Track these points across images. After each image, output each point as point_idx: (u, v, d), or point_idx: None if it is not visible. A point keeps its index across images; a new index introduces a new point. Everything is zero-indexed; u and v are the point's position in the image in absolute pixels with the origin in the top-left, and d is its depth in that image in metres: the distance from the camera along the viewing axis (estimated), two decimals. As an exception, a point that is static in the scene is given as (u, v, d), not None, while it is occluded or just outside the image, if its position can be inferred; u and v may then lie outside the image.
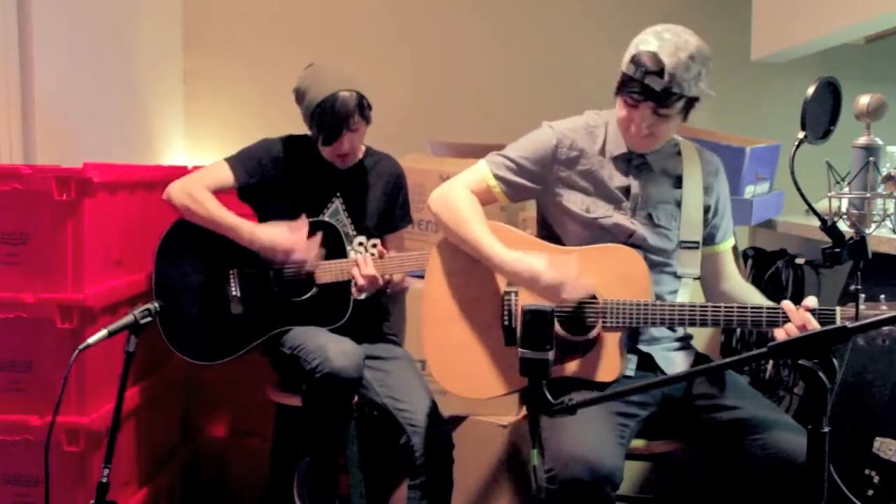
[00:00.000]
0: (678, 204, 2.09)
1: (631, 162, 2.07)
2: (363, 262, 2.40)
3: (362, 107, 2.42)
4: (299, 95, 2.47)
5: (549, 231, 2.16)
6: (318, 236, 2.43)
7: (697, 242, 2.08)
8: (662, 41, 1.92)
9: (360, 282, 2.39)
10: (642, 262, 1.99)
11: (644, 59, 1.91)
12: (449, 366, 2.13)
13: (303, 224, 2.43)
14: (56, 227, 2.24)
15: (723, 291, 2.16)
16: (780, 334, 1.86)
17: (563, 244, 2.09)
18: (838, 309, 1.84)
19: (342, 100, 2.38)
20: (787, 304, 1.86)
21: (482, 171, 2.12)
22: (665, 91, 1.90)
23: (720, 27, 3.68)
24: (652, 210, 2.07)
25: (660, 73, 1.89)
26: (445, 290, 2.13)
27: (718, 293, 2.16)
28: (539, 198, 2.15)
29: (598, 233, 2.05)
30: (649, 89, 1.91)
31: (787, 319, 1.85)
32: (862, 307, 1.80)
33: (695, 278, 2.09)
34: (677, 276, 2.08)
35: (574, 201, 2.07)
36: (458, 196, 2.10)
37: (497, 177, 2.11)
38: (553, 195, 2.10)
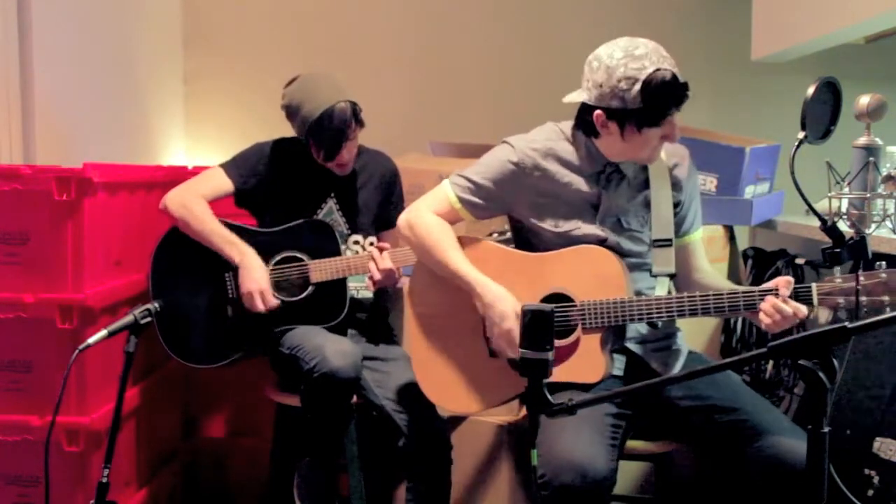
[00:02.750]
0: (647, 205, 2.08)
1: (602, 173, 2.05)
2: (379, 256, 2.40)
3: (357, 115, 2.44)
4: (291, 112, 2.46)
5: (522, 240, 2.15)
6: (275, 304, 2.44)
7: (670, 240, 2.07)
8: (643, 57, 1.88)
9: (378, 276, 2.39)
10: (616, 261, 1.98)
11: (660, 79, 1.87)
12: (437, 382, 2.14)
13: (278, 302, 2.43)
14: (56, 227, 2.24)
15: (693, 281, 2.14)
16: (762, 318, 1.85)
17: (536, 252, 2.09)
18: (814, 285, 1.83)
19: (339, 112, 2.39)
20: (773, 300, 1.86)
21: (446, 193, 2.11)
22: (686, 89, 1.90)
23: (720, 27, 3.68)
24: (621, 216, 2.05)
25: (675, 78, 1.88)
26: (427, 308, 2.14)
27: (688, 283, 2.14)
28: (507, 213, 2.15)
29: (569, 242, 2.04)
30: (679, 98, 1.90)
31: (762, 299, 1.85)
32: (839, 280, 1.80)
33: (671, 275, 2.08)
34: (653, 275, 2.07)
35: (541, 218, 2.06)
36: (426, 222, 2.09)
37: (460, 199, 2.09)
38: (519, 212, 2.09)
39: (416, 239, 2.10)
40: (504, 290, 2.00)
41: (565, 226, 2.04)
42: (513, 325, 1.95)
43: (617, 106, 1.91)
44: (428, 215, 2.11)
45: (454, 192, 2.10)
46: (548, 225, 2.05)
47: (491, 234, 2.17)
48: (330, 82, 2.46)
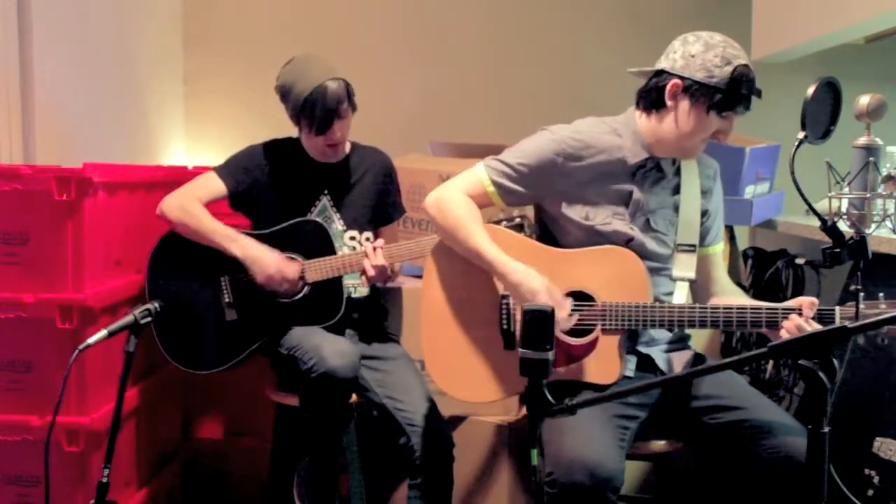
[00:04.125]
0: (676, 209, 2.09)
1: (642, 168, 2.06)
2: (372, 253, 2.40)
3: (350, 94, 2.45)
4: (284, 91, 2.47)
5: (547, 233, 2.15)
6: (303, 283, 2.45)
7: (694, 245, 2.08)
8: (739, 50, 1.96)
9: (371, 273, 2.39)
10: (640, 263, 1.99)
11: (750, 74, 1.94)
12: (447, 370, 2.13)
13: (297, 262, 2.44)
14: (56, 227, 2.24)
15: (710, 293, 2.16)
16: (783, 335, 1.86)
17: (560, 246, 2.09)
18: (837, 309, 1.85)
19: (331, 89, 2.40)
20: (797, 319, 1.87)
21: (479, 176, 2.09)
22: (755, 97, 1.96)
23: (720, 27, 3.67)
24: (650, 216, 2.06)
25: (754, 83, 1.95)
26: (443, 294, 2.13)
27: (706, 294, 2.16)
28: (538, 203, 2.15)
29: (596, 238, 2.04)
30: (749, 102, 1.95)
31: (785, 317, 1.86)
32: (861, 306, 1.81)
33: (691, 281, 2.09)
34: (673, 279, 2.08)
35: (573, 209, 2.06)
36: (455, 200, 2.08)
37: (494, 182, 2.08)
38: (551, 202, 2.09)
39: (443, 216, 2.08)
40: (529, 270, 1.98)
41: (595, 219, 2.04)
42: (546, 300, 1.93)
43: (701, 77, 1.94)
44: (457, 195, 2.09)
45: (488, 175, 2.09)
46: (578, 216, 2.05)
47: (499, 222, 2.15)
48: (323, 62, 2.47)
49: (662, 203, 2.08)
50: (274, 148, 2.58)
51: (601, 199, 2.05)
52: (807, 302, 1.88)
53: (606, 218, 2.04)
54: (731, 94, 1.93)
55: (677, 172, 2.10)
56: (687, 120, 1.98)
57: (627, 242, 2.03)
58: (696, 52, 1.95)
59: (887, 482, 2.07)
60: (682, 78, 1.96)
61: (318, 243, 2.46)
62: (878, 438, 2.11)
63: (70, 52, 2.93)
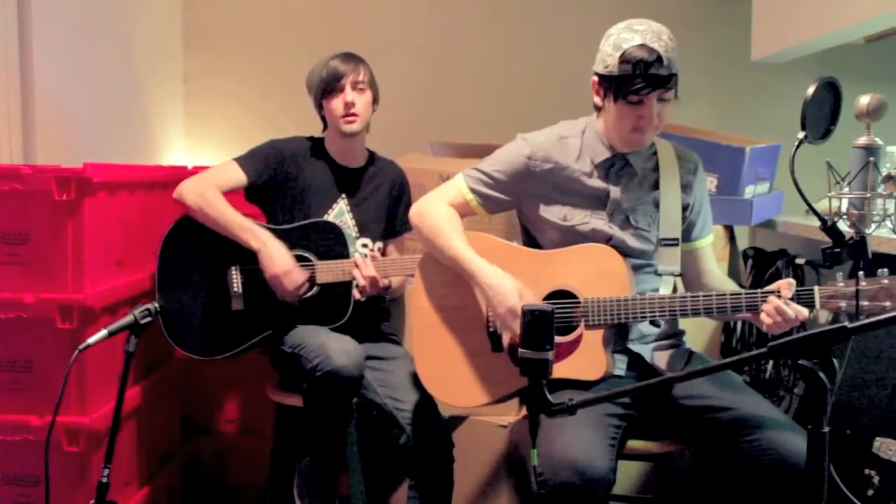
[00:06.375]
0: (656, 204, 2.09)
1: (612, 167, 2.07)
2: (363, 263, 2.41)
3: (366, 64, 2.54)
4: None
5: (529, 236, 2.17)
6: (312, 291, 2.45)
7: (677, 239, 2.09)
8: (638, 32, 1.93)
9: (361, 282, 2.39)
10: (620, 259, 2.00)
11: (639, 54, 1.90)
12: (439, 377, 2.15)
13: (307, 272, 2.44)
14: (56, 227, 2.24)
15: (702, 285, 2.17)
16: (764, 319, 1.86)
17: (542, 248, 2.11)
18: (816, 288, 1.84)
19: (345, 53, 2.52)
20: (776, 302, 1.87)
21: (459, 186, 2.14)
22: (667, 76, 1.92)
23: (720, 27, 3.68)
24: (630, 213, 2.07)
25: (658, 60, 1.90)
26: (432, 302, 2.15)
27: (698, 287, 2.17)
28: (517, 207, 2.17)
29: (576, 238, 2.06)
30: (655, 79, 1.91)
31: (764, 300, 1.86)
32: (863, 283, 1.80)
33: (676, 275, 2.09)
34: (658, 274, 2.09)
35: (550, 211, 2.08)
36: (436, 210, 2.12)
37: (473, 190, 2.13)
38: (530, 206, 2.11)
39: (424, 225, 2.13)
40: (504, 273, 2.01)
41: (573, 219, 2.06)
42: (517, 302, 1.95)
43: (602, 70, 1.97)
44: (438, 204, 2.14)
45: (467, 183, 2.14)
46: (556, 218, 2.07)
47: None
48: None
49: (642, 200, 2.09)
50: (297, 145, 2.58)
51: (578, 199, 2.07)
52: (784, 283, 1.88)
53: (584, 217, 2.06)
54: (624, 80, 1.92)
55: (655, 168, 2.11)
56: (608, 113, 2.01)
57: (607, 241, 2.05)
58: (601, 46, 2.00)
59: (887, 482, 2.07)
60: (595, 74, 2.01)
61: (332, 246, 2.47)
62: (878, 438, 2.11)
63: (70, 52, 2.93)
